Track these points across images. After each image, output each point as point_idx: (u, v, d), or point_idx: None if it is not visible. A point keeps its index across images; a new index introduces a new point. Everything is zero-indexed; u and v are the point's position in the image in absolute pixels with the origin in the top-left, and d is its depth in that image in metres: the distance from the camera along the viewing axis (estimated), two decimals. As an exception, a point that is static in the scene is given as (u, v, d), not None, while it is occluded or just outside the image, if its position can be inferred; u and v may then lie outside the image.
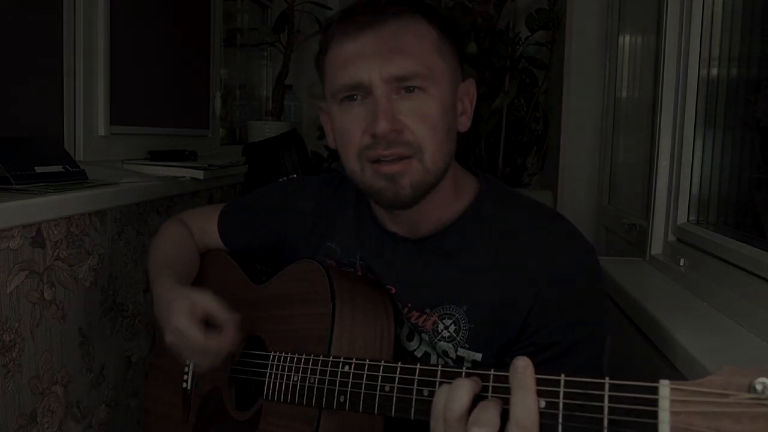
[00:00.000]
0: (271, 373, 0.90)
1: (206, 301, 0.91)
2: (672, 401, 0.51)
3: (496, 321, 0.87)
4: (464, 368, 0.68)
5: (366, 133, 0.85)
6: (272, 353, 0.92)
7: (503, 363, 0.85)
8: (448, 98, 0.88)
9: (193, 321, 0.90)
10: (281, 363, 0.89)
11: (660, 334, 1.07)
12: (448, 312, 0.89)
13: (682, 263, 1.37)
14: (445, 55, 0.88)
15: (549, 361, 0.83)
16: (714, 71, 1.40)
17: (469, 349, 0.88)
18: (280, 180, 1.90)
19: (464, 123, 0.92)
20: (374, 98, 0.84)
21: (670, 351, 1.02)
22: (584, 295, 0.86)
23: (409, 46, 0.85)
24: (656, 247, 1.52)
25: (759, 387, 0.48)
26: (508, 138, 2.65)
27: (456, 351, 0.89)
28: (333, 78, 0.88)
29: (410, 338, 0.94)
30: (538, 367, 0.83)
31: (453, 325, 0.88)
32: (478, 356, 0.88)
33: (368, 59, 0.84)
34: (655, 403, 0.52)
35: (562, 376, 0.59)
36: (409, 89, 0.84)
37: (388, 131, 0.83)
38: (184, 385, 1.06)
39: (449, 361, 0.90)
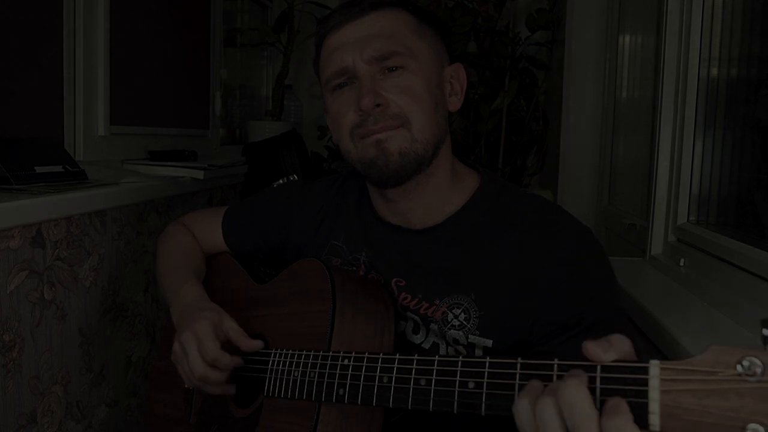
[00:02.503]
0: (272, 370, 0.91)
1: (233, 328, 0.95)
2: (662, 380, 0.53)
3: (507, 307, 0.88)
4: (460, 358, 0.69)
5: (356, 112, 0.91)
6: (273, 351, 0.92)
7: (534, 352, 0.87)
8: (431, 76, 0.93)
9: (214, 334, 0.93)
10: (282, 360, 0.90)
11: (660, 334, 1.08)
12: (456, 301, 0.91)
13: (682, 263, 1.37)
14: (424, 37, 0.95)
15: (578, 335, 0.83)
16: (714, 71, 1.40)
17: (479, 335, 0.89)
18: (282, 182, 1.90)
19: (454, 103, 0.98)
20: (359, 80, 0.91)
21: (669, 351, 1.03)
22: (596, 269, 0.89)
23: (386, 29, 0.92)
24: (656, 247, 1.52)
25: (746, 364, 0.49)
26: (508, 138, 2.65)
27: (467, 338, 0.90)
28: (324, 69, 0.96)
29: (416, 331, 0.95)
30: (565, 345, 0.83)
31: (462, 313, 0.90)
32: (489, 342, 0.89)
33: (350, 45, 0.92)
34: (645, 382, 0.53)
35: (555, 359, 0.60)
36: (392, 69, 0.91)
37: (372, 106, 0.89)
38: (187, 385, 1.06)
39: (460, 348, 0.91)
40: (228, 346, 0.94)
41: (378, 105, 0.89)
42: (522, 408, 0.58)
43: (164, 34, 1.83)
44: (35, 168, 1.19)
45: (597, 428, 0.54)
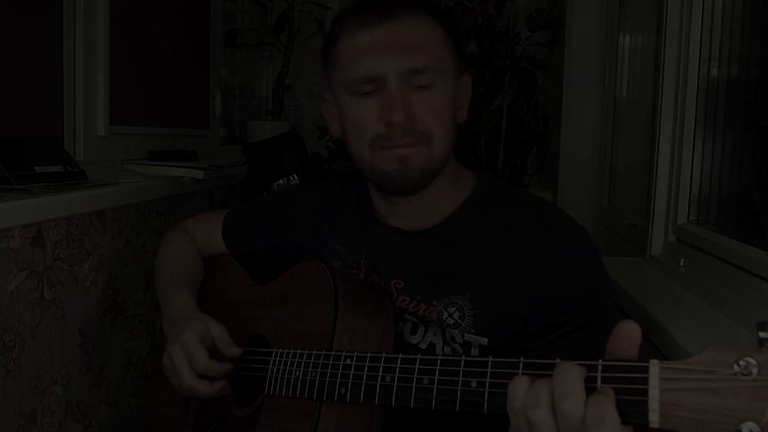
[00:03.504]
0: (273, 369, 0.92)
1: (218, 334, 0.95)
2: (661, 379, 0.54)
3: (501, 306, 0.89)
4: (463, 357, 0.69)
5: (380, 123, 0.89)
6: (275, 350, 0.93)
7: (522, 348, 0.87)
8: (452, 90, 0.93)
9: (201, 344, 0.93)
10: (283, 359, 0.90)
11: (660, 334, 1.08)
12: (452, 301, 0.91)
13: (682, 263, 1.37)
14: (450, 50, 0.93)
15: (570, 333, 0.84)
16: (714, 71, 1.40)
17: (474, 334, 0.90)
18: (281, 183, 1.90)
19: (461, 115, 0.97)
20: (388, 90, 0.88)
21: (669, 350, 1.03)
22: (590, 270, 0.89)
23: (421, 41, 0.90)
24: (656, 247, 1.52)
25: (742, 364, 0.51)
26: (508, 138, 2.65)
27: (463, 336, 0.90)
28: (346, 68, 0.91)
29: (414, 332, 0.95)
30: (555, 343, 0.84)
31: (457, 312, 0.90)
32: (485, 341, 0.89)
33: (384, 53, 0.88)
34: (645, 381, 0.54)
35: (557, 359, 0.60)
36: (421, 83, 0.89)
37: (403, 121, 0.87)
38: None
39: (456, 347, 0.91)
40: (219, 352, 0.95)
41: (406, 120, 0.88)
42: (519, 381, 0.60)
43: (164, 34, 1.83)
44: (35, 168, 1.19)
45: (581, 404, 0.55)
